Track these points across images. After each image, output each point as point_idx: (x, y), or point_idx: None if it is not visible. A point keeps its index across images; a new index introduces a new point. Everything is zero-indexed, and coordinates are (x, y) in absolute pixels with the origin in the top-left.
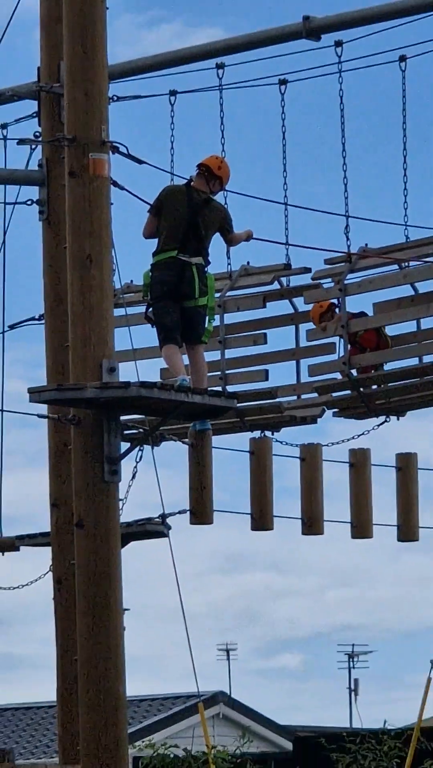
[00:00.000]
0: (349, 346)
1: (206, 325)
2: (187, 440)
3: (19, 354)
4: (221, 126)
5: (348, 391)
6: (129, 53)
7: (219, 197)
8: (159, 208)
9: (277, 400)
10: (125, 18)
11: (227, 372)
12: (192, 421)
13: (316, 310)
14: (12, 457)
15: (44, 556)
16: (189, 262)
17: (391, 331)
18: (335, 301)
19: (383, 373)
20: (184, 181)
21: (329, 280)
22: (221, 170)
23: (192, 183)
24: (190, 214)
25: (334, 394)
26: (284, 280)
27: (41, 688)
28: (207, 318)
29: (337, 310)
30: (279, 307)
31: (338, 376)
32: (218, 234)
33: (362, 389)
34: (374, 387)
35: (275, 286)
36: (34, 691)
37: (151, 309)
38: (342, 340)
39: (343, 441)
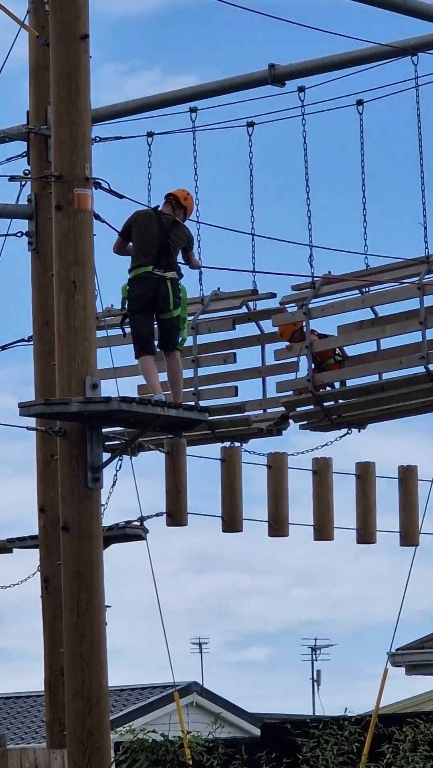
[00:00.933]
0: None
1: (180, 334)
2: (163, 449)
3: (10, 373)
4: (194, 164)
5: (312, 406)
6: (111, 99)
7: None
8: (128, 230)
9: (245, 413)
10: (108, 67)
11: (200, 388)
12: (168, 433)
13: (289, 327)
14: (3, 467)
15: (33, 557)
16: (164, 276)
17: (352, 351)
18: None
19: (345, 388)
20: (151, 208)
21: (294, 304)
22: (186, 201)
23: (159, 209)
24: (160, 234)
25: (299, 409)
26: (251, 304)
27: (30, 678)
28: (180, 328)
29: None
30: (247, 329)
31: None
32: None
33: (325, 404)
34: (332, 402)
35: (243, 309)
36: (24, 681)
37: (127, 320)
38: (306, 358)
39: (307, 451)
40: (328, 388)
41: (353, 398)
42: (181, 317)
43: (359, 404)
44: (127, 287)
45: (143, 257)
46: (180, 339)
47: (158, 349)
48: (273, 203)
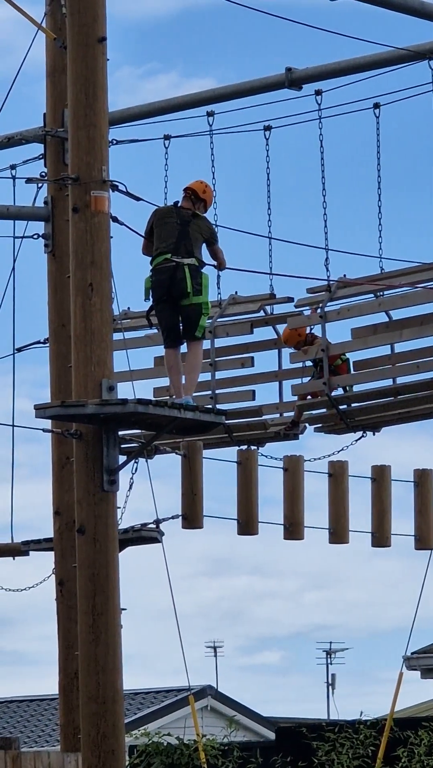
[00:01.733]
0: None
1: (200, 322)
2: (180, 451)
3: (25, 375)
4: (212, 167)
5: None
6: (128, 101)
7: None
8: (151, 229)
9: (262, 417)
10: (125, 70)
11: (217, 391)
12: (184, 436)
13: (294, 337)
14: (18, 470)
15: (48, 560)
16: (181, 262)
17: (366, 354)
18: (310, 329)
19: (361, 392)
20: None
21: (309, 307)
22: (205, 194)
23: (178, 204)
24: (180, 225)
25: (314, 412)
26: (268, 308)
27: (44, 681)
28: (203, 313)
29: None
30: (264, 333)
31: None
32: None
33: (340, 407)
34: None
35: (261, 313)
36: (38, 684)
37: (149, 312)
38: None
39: (323, 457)
40: (341, 390)
41: (368, 402)
42: (203, 303)
43: (374, 408)
44: (150, 278)
45: (162, 245)
46: (198, 327)
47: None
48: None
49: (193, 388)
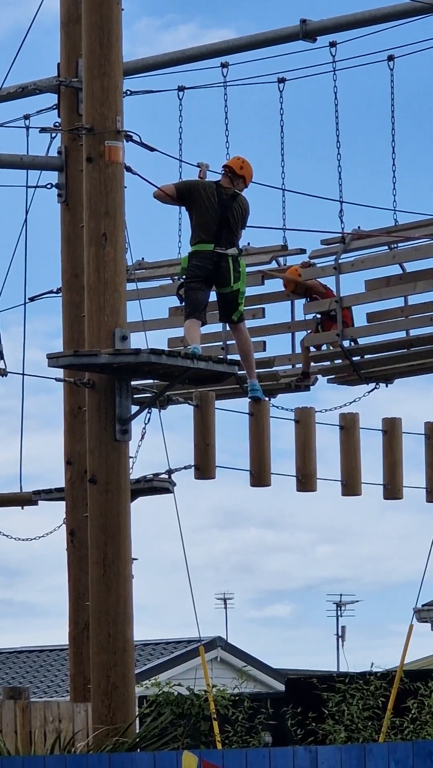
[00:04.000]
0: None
1: (240, 307)
2: (192, 402)
3: (36, 326)
4: (225, 119)
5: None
6: (147, 53)
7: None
8: (183, 191)
9: (274, 368)
10: (144, 21)
11: (229, 342)
12: (196, 385)
13: (290, 283)
14: (29, 420)
15: (58, 510)
16: (225, 253)
17: (380, 306)
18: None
19: (374, 343)
20: (213, 181)
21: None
22: (243, 170)
23: (219, 182)
24: (221, 210)
25: (327, 363)
26: (281, 259)
27: (54, 632)
28: (240, 301)
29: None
30: (276, 284)
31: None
32: None
33: (353, 358)
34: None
35: (273, 265)
36: (48, 635)
37: (183, 289)
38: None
39: (335, 408)
40: (351, 343)
41: (381, 353)
42: (240, 291)
43: (386, 359)
44: (188, 259)
45: (204, 234)
46: (237, 311)
47: (222, 322)
48: (303, 158)
49: (254, 371)
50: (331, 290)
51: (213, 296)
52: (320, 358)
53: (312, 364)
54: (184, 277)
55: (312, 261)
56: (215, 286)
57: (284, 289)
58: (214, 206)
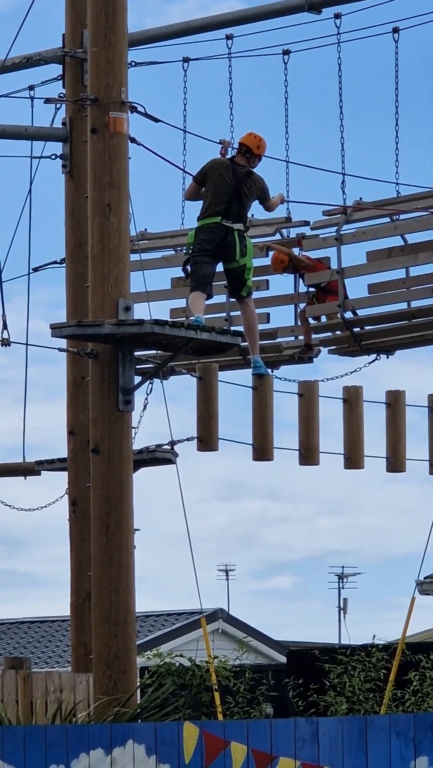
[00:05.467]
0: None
1: (247, 282)
2: (195, 373)
3: (40, 296)
4: (230, 91)
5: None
6: (156, 24)
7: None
8: (203, 177)
9: (277, 340)
10: None
11: (232, 314)
12: (199, 357)
13: (278, 263)
14: (32, 390)
15: (60, 480)
16: (231, 227)
17: (381, 277)
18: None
19: (375, 314)
20: (228, 158)
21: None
22: (259, 149)
23: (234, 159)
24: (234, 184)
25: (329, 334)
26: (284, 231)
27: (56, 603)
28: (246, 275)
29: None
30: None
31: None
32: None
33: (355, 329)
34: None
35: (277, 237)
36: (49, 605)
37: (189, 264)
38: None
39: (337, 377)
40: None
41: (382, 325)
42: (247, 266)
43: (388, 331)
44: (194, 234)
45: (213, 206)
46: (245, 286)
47: (231, 298)
48: (307, 131)
49: (257, 346)
50: (319, 261)
51: (218, 268)
52: (321, 329)
53: (313, 335)
54: (190, 251)
55: (305, 234)
56: (222, 261)
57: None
58: (228, 181)
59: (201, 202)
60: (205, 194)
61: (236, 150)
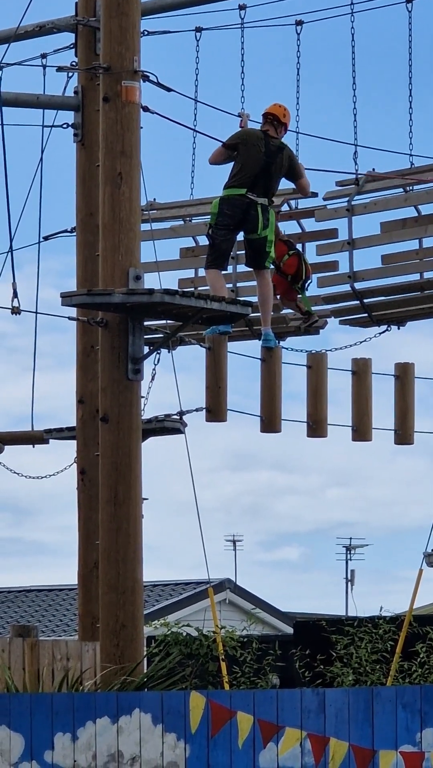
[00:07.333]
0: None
1: (270, 253)
2: (205, 344)
3: (50, 264)
4: (242, 62)
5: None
6: None
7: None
8: (234, 145)
9: (283, 311)
10: None
11: (239, 285)
12: (210, 326)
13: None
14: (42, 359)
15: (69, 449)
16: (255, 201)
17: (394, 248)
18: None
19: (387, 285)
20: (261, 130)
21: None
22: (285, 118)
23: (266, 131)
24: (266, 159)
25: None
26: (293, 202)
27: (63, 571)
28: (268, 248)
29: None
30: (289, 227)
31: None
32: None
33: (365, 300)
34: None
35: (285, 208)
36: (57, 574)
37: (212, 231)
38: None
39: (346, 347)
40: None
41: (393, 296)
42: (268, 239)
43: (399, 302)
44: (219, 203)
45: (241, 178)
46: (268, 257)
47: (249, 267)
48: (320, 101)
49: (269, 318)
50: (281, 241)
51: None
52: (331, 300)
53: (324, 306)
54: (213, 222)
55: (282, 209)
56: (243, 232)
57: None
58: (260, 155)
59: (218, 168)
60: (235, 163)
61: (261, 122)
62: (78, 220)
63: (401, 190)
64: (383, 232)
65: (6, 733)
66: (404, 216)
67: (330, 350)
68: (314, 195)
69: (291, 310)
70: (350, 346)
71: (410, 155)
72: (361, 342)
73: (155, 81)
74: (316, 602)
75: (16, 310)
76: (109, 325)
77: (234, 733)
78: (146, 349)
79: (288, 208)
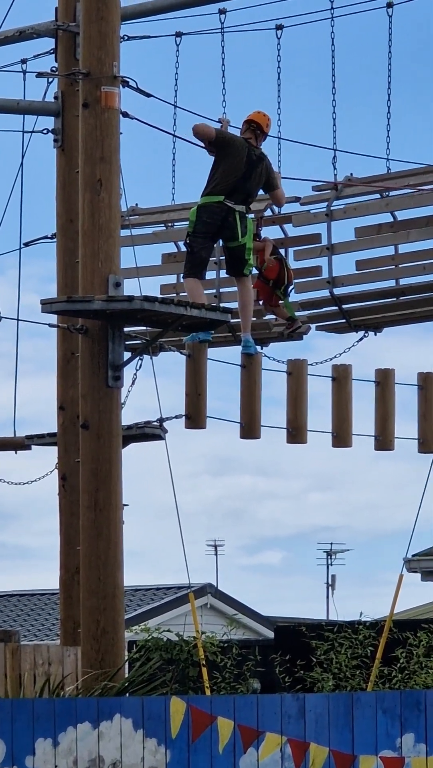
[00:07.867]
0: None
1: (249, 261)
2: (185, 351)
3: (31, 270)
4: (222, 66)
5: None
6: None
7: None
8: (224, 139)
9: (266, 317)
10: None
11: (222, 290)
12: (190, 333)
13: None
14: (23, 365)
15: (50, 455)
16: (233, 208)
17: (370, 254)
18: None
19: (365, 291)
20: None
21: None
22: (268, 127)
23: (247, 139)
24: (246, 170)
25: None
26: (275, 208)
27: (45, 576)
28: (247, 255)
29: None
30: (271, 233)
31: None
32: None
33: (343, 306)
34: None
35: (268, 213)
36: (38, 578)
37: (190, 239)
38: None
39: (326, 360)
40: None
41: (372, 301)
42: (247, 246)
43: (376, 308)
44: (196, 212)
45: (221, 185)
46: (247, 265)
47: (228, 275)
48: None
49: (249, 325)
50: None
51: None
52: (309, 305)
53: (302, 312)
54: (191, 229)
55: (265, 214)
56: (222, 240)
57: None
58: (241, 163)
59: (199, 173)
60: (214, 169)
61: (242, 128)
62: (58, 226)
63: (379, 196)
64: (358, 237)
65: None
66: (381, 221)
67: (312, 364)
68: (297, 199)
69: (274, 316)
70: (332, 358)
71: (388, 159)
72: (342, 353)
73: (135, 86)
74: (298, 606)
75: None
76: (89, 332)
77: (214, 739)
78: (127, 356)
79: (271, 213)
